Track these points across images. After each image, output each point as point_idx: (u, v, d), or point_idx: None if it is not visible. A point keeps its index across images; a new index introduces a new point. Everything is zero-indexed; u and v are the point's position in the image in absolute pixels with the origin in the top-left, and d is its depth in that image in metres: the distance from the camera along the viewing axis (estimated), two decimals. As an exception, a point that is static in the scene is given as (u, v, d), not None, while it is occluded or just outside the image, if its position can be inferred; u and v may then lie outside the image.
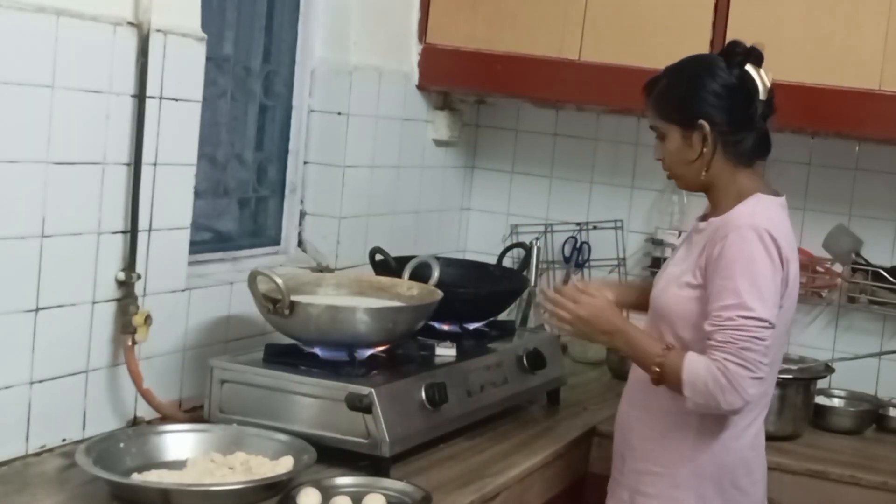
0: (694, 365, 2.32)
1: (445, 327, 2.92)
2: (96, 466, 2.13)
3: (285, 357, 2.56)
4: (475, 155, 3.97)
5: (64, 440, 2.40)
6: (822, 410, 3.20)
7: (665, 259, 3.20)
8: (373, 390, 2.39)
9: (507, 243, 3.72)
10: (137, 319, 2.48)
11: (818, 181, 3.58)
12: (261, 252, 3.15)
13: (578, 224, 3.84)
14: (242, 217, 3.15)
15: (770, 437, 2.58)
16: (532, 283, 3.63)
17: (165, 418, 2.58)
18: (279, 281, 2.49)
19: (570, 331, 2.53)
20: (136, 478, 2.16)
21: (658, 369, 2.38)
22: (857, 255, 3.50)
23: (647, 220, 3.79)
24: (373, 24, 3.36)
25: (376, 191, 3.42)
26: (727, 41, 2.49)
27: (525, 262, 3.44)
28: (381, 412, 2.38)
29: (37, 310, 2.30)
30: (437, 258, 2.93)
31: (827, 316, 3.57)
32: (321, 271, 3.19)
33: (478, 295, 3.03)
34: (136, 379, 2.51)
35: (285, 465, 2.25)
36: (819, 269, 3.53)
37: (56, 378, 2.36)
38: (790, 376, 3.04)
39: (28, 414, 2.31)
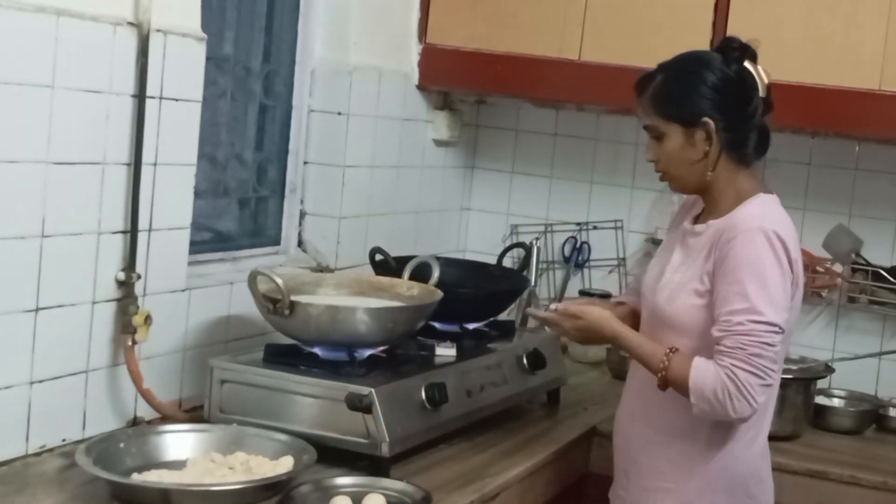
0: (701, 371, 2.25)
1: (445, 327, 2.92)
2: (96, 466, 2.13)
3: (285, 357, 2.56)
4: (475, 155, 3.97)
5: (64, 440, 2.40)
6: (822, 410, 3.20)
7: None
8: (373, 390, 2.39)
9: (507, 243, 3.72)
10: (137, 319, 2.48)
11: (818, 181, 3.58)
12: (261, 252, 3.15)
13: (578, 224, 3.85)
14: (242, 217, 3.15)
15: (770, 437, 2.58)
16: (532, 283, 3.63)
17: (165, 418, 2.58)
18: (279, 281, 2.49)
19: (570, 336, 2.49)
20: (136, 478, 2.16)
21: (664, 374, 2.30)
22: (857, 255, 3.50)
23: (647, 220, 3.79)
24: (373, 24, 3.36)
25: (376, 191, 3.42)
26: (723, 38, 2.45)
27: (525, 262, 3.44)
28: (380, 412, 2.38)
29: (37, 310, 2.30)
30: (437, 258, 2.93)
31: (827, 316, 3.57)
32: (321, 271, 3.19)
33: (478, 295, 3.03)
34: (136, 379, 2.51)
35: (285, 465, 2.25)
36: (819, 269, 3.53)
37: (56, 378, 2.36)
38: (790, 376, 3.04)
39: (28, 414, 2.31)
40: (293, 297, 2.51)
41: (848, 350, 3.47)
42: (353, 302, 2.68)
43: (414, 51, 3.56)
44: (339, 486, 2.25)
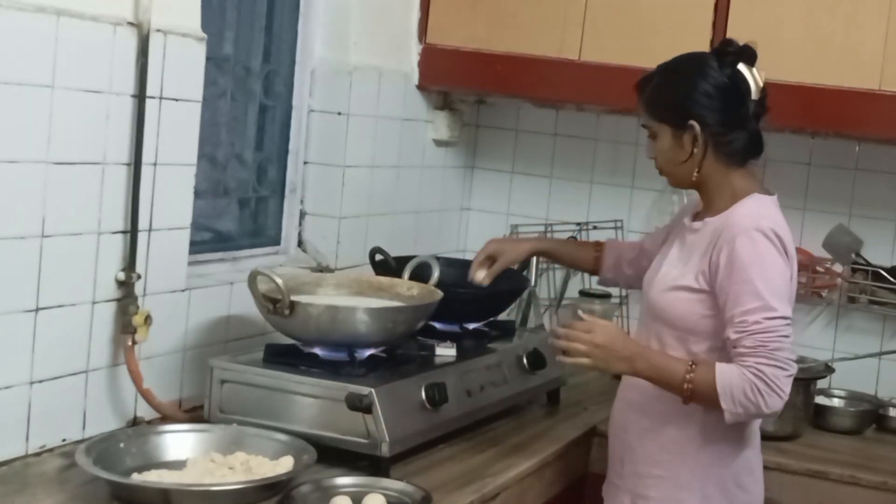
0: (727, 375, 2.29)
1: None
2: (96, 466, 2.13)
3: (285, 357, 2.56)
4: (475, 155, 3.97)
5: (64, 440, 2.40)
6: (822, 410, 3.20)
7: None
8: (373, 390, 2.39)
9: (507, 243, 3.72)
10: (137, 319, 2.48)
11: (818, 181, 3.58)
12: (261, 252, 3.15)
13: (578, 224, 3.84)
14: (242, 217, 3.15)
15: (770, 437, 2.59)
16: (532, 283, 3.63)
17: (165, 418, 2.58)
18: (279, 281, 2.49)
19: (589, 363, 2.39)
20: (136, 478, 2.16)
21: (690, 386, 2.32)
22: (857, 255, 3.50)
23: (647, 220, 3.79)
24: (373, 24, 3.36)
25: (376, 191, 3.42)
26: (721, 40, 2.49)
27: (525, 262, 3.44)
28: (380, 412, 2.38)
29: (37, 310, 2.30)
30: (437, 258, 2.93)
31: (827, 316, 3.57)
32: (321, 271, 3.19)
33: (478, 295, 3.02)
34: (136, 379, 2.51)
35: (285, 465, 2.25)
36: (819, 269, 3.53)
37: (56, 378, 2.36)
38: (790, 376, 3.04)
39: (28, 414, 2.31)
40: (293, 297, 2.51)
41: (848, 350, 3.47)
42: (353, 302, 2.68)
43: (414, 51, 3.56)
44: (339, 486, 2.25)
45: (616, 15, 3.37)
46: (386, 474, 2.36)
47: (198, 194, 2.71)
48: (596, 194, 3.87)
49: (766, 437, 2.65)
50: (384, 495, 2.19)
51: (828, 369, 3.28)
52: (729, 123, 2.41)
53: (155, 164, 2.53)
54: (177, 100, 2.57)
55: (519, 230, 3.91)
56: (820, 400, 3.25)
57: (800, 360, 3.20)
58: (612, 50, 3.37)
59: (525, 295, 3.50)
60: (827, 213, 3.54)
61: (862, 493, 2.85)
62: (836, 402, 3.35)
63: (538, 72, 3.45)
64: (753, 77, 2.42)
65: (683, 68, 2.45)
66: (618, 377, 2.64)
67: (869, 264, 3.48)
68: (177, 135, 2.59)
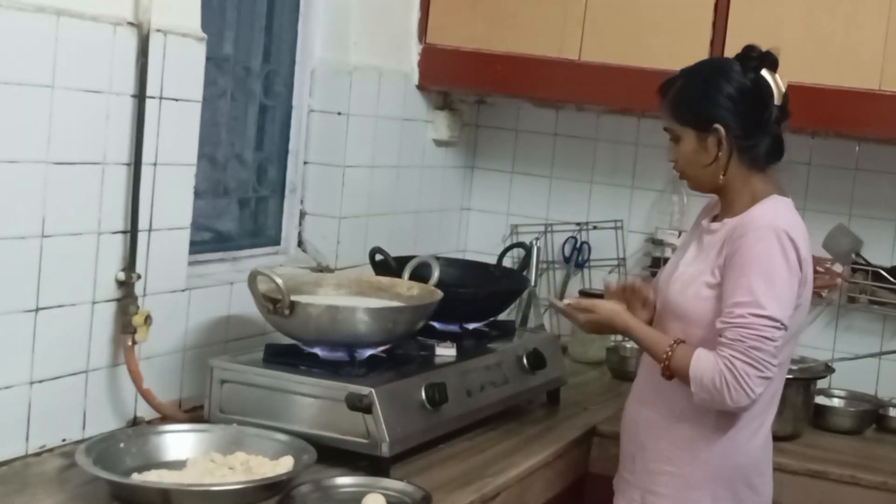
0: (702, 361, 2.34)
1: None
2: (96, 466, 2.13)
3: (285, 357, 2.56)
4: (475, 155, 3.97)
5: (64, 440, 2.40)
6: (822, 410, 3.20)
7: (666, 259, 3.20)
8: (373, 390, 2.39)
9: (507, 243, 3.73)
10: (137, 319, 2.48)
11: (818, 181, 3.58)
12: (261, 252, 3.15)
13: (578, 224, 3.84)
14: (242, 217, 3.15)
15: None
16: (532, 283, 3.63)
17: (165, 418, 2.58)
18: (279, 281, 2.49)
19: (581, 326, 2.58)
20: (136, 478, 2.16)
21: (667, 363, 2.39)
22: (857, 255, 3.50)
23: (647, 221, 3.79)
24: (373, 24, 3.36)
25: (376, 191, 3.42)
26: (743, 46, 2.48)
27: (525, 262, 3.45)
28: (380, 412, 2.38)
29: (37, 310, 2.30)
30: (437, 258, 2.94)
31: (827, 316, 3.57)
32: (321, 271, 3.19)
33: (478, 295, 3.03)
34: (136, 379, 2.51)
35: (285, 465, 2.25)
36: (819, 269, 3.52)
37: (56, 378, 2.36)
38: (790, 376, 3.04)
39: (28, 414, 2.31)
40: (293, 297, 2.51)
41: (848, 350, 3.47)
42: (353, 302, 2.68)
43: (414, 51, 3.56)
44: (339, 486, 2.25)
45: (616, 15, 3.37)
46: (386, 474, 2.36)
47: (198, 194, 2.71)
48: (596, 194, 3.87)
49: (765, 436, 2.65)
50: (384, 495, 2.19)
51: (828, 369, 3.28)
52: (752, 127, 2.43)
53: (155, 164, 2.53)
54: (177, 100, 2.57)
55: (519, 230, 3.91)
56: (820, 400, 3.25)
57: (800, 360, 3.23)
58: (612, 50, 3.37)
59: (525, 295, 3.50)
60: (827, 213, 3.54)
61: (862, 493, 2.85)
62: (836, 402, 3.35)
63: (538, 72, 3.45)
64: (776, 82, 2.44)
65: (707, 72, 2.47)
66: (623, 376, 2.66)
67: (869, 264, 3.48)
68: (177, 135, 2.59)
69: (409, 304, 2.73)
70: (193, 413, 2.65)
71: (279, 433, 2.38)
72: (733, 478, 2.46)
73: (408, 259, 2.92)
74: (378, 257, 3.01)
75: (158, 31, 2.48)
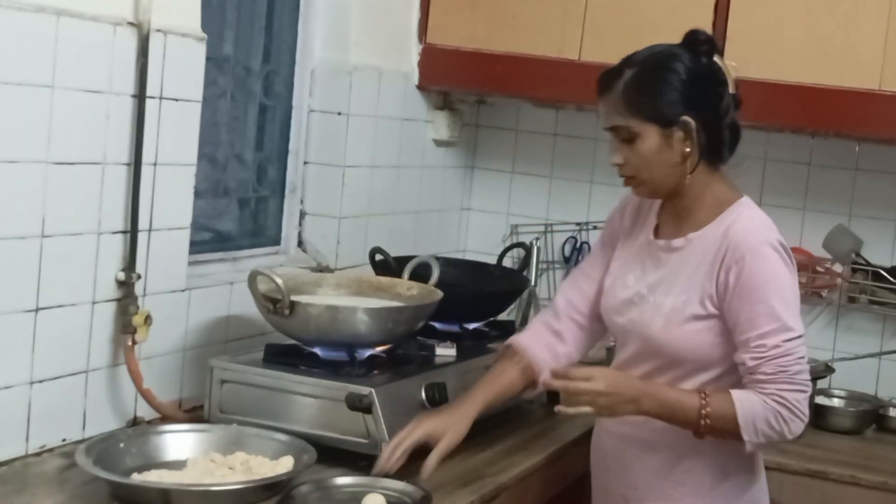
0: (748, 405, 2.17)
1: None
2: (96, 466, 2.13)
3: (285, 357, 2.56)
4: (475, 155, 3.97)
5: (64, 440, 2.40)
6: (822, 410, 3.20)
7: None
8: (373, 390, 2.39)
9: (507, 243, 3.73)
10: (137, 319, 2.48)
11: (818, 181, 3.58)
12: (261, 252, 3.15)
13: (578, 224, 3.84)
14: (242, 217, 3.15)
15: (770, 437, 2.58)
16: (532, 283, 3.63)
17: (165, 418, 2.58)
18: (279, 281, 2.49)
19: (592, 412, 2.27)
20: (136, 478, 2.16)
21: (707, 422, 2.19)
22: (857, 255, 3.50)
23: (647, 220, 3.79)
24: (373, 24, 3.36)
25: (376, 191, 3.42)
26: (686, 31, 2.30)
27: (525, 262, 3.44)
28: (381, 412, 2.38)
29: (37, 310, 2.30)
30: (437, 258, 2.93)
31: (827, 316, 3.56)
32: (321, 271, 3.19)
33: (478, 295, 3.03)
34: (136, 379, 2.51)
35: (285, 465, 2.25)
36: (819, 269, 3.53)
37: (56, 378, 2.36)
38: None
39: (28, 414, 2.31)
40: (293, 297, 2.51)
41: (848, 350, 3.47)
42: (353, 302, 2.68)
43: (414, 51, 3.56)
44: (339, 486, 2.25)
45: (616, 15, 3.37)
46: (386, 474, 2.36)
47: (198, 194, 2.71)
48: (596, 194, 3.86)
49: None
50: (384, 495, 2.19)
51: (828, 369, 3.28)
52: (712, 118, 2.23)
53: (155, 164, 2.53)
54: (177, 100, 2.57)
55: (519, 230, 3.91)
56: (820, 400, 3.25)
57: (800, 360, 3.22)
58: (612, 50, 3.32)
59: (525, 295, 3.50)
60: (827, 213, 3.54)
61: (862, 493, 2.85)
62: (836, 402, 3.35)
63: (538, 72, 3.45)
64: (726, 67, 2.27)
65: (662, 59, 2.24)
66: None
67: (869, 264, 3.48)
68: (177, 135, 2.58)
69: (408, 304, 2.73)
70: (193, 413, 2.65)
71: (279, 433, 2.38)
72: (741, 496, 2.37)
73: (408, 259, 2.92)
74: (378, 257, 3.01)
75: (158, 31, 2.48)
